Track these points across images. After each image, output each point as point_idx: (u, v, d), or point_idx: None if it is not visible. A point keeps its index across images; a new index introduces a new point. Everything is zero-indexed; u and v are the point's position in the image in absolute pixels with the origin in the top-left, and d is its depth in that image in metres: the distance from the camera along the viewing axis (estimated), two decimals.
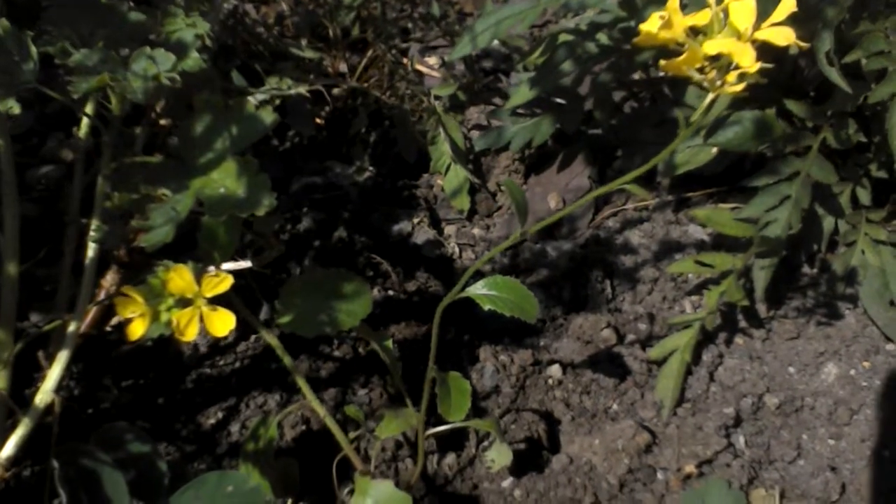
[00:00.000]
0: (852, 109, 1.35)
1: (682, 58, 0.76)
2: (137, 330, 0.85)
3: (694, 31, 0.78)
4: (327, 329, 1.08)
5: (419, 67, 1.87)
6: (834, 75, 1.19)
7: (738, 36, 0.76)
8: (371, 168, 1.68)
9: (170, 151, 1.13)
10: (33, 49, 1.02)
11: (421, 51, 1.93)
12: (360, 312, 1.10)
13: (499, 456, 1.21)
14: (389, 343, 1.17)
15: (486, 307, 0.98)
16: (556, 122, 1.57)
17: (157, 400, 1.28)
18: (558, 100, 1.58)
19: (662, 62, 0.77)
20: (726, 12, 0.77)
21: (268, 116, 1.00)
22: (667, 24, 0.77)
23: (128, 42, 1.11)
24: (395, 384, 1.16)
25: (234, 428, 1.26)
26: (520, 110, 1.60)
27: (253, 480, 1.02)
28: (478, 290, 1.00)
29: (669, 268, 1.41)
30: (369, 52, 1.83)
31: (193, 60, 1.07)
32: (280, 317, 1.07)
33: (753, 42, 0.75)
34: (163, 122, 1.18)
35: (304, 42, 1.81)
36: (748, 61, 0.74)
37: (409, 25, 1.89)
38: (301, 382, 1.08)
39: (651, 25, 0.77)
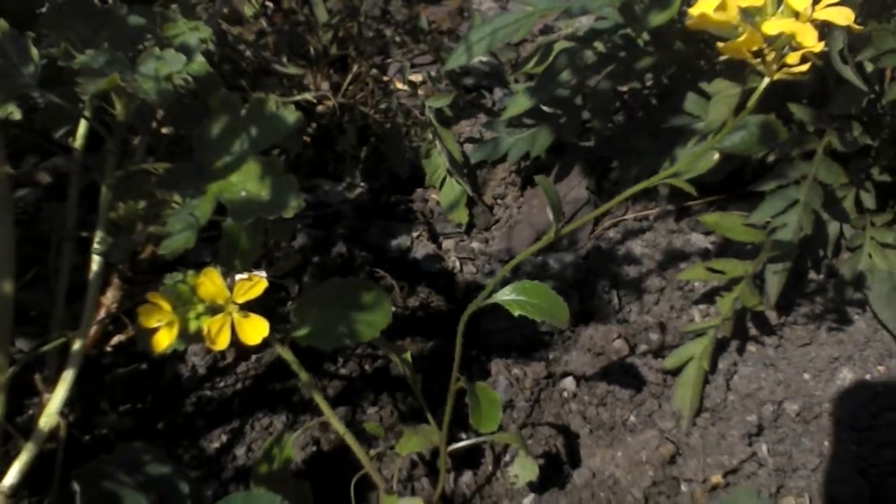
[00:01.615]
0: (855, 112, 1.35)
1: (741, 39, 0.73)
2: (163, 340, 0.80)
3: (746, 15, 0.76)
4: (347, 341, 1.01)
5: (399, 83, 1.84)
6: (849, 73, 1.19)
7: (796, 16, 0.74)
8: (363, 184, 1.63)
9: (175, 159, 1.07)
10: (34, 51, 0.97)
11: (402, 68, 1.90)
12: (380, 323, 1.03)
13: (523, 470, 1.16)
14: (408, 356, 1.12)
15: (517, 313, 0.94)
16: (553, 132, 1.54)
17: (158, 424, 1.22)
18: (553, 110, 1.56)
19: (720, 45, 0.74)
20: None
21: (290, 115, 0.94)
22: (721, 6, 0.75)
23: (128, 46, 1.06)
24: (416, 399, 1.11)
25: (240, 451, 1.20)
26: (514, 121, 1.57)
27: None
28: (506, 295, 0.96)
29: (680, 275, 1.39)
30: (353, 69, 1.80)
31: (199, 64, 1.02)
32: (296, 329, 1.00)
33: (812, 22, 0.73)
34: (164, 130, 1.12)
35: (284, 59, 1.77)
36: (811, 41, 0.71)
37: (397, 39, 1.86)
38: (318, 399, 1.02)
39: (705, 7, 0.75)
